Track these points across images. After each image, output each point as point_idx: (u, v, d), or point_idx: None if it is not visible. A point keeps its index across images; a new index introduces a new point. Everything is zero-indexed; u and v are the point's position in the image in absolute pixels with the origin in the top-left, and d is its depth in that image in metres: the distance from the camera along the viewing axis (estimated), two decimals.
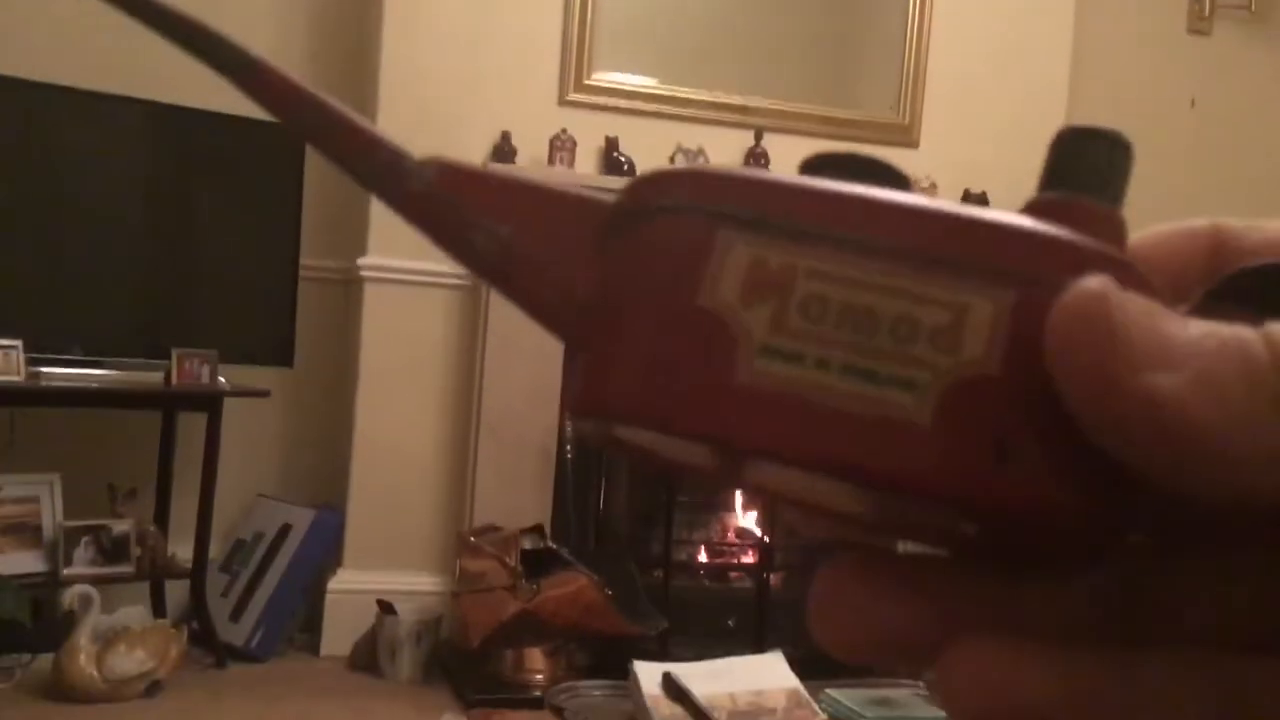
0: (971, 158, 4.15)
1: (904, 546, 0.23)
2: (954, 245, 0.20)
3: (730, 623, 4.00)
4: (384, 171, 0.24)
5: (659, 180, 0.23)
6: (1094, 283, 0.19)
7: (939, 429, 0.20)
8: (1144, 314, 0.19)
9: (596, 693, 1.88)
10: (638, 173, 3.85)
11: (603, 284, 0.22)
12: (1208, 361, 0.18)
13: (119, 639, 3.22)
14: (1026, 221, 0.21)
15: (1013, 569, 0.22)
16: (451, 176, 0.24)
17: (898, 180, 0.22)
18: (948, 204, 0.21)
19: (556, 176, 3.78)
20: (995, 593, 0.22)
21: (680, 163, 3.93)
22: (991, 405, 0.20)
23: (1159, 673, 0.20)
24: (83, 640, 3.17)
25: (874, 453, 0.20)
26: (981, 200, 4.11)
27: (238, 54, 0.26)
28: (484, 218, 0.24)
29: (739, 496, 4.22)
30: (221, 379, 3.58)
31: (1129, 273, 0.20)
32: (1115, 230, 0.22)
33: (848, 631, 0.22)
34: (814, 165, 0.22)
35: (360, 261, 3.81)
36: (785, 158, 4.03)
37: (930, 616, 0.21)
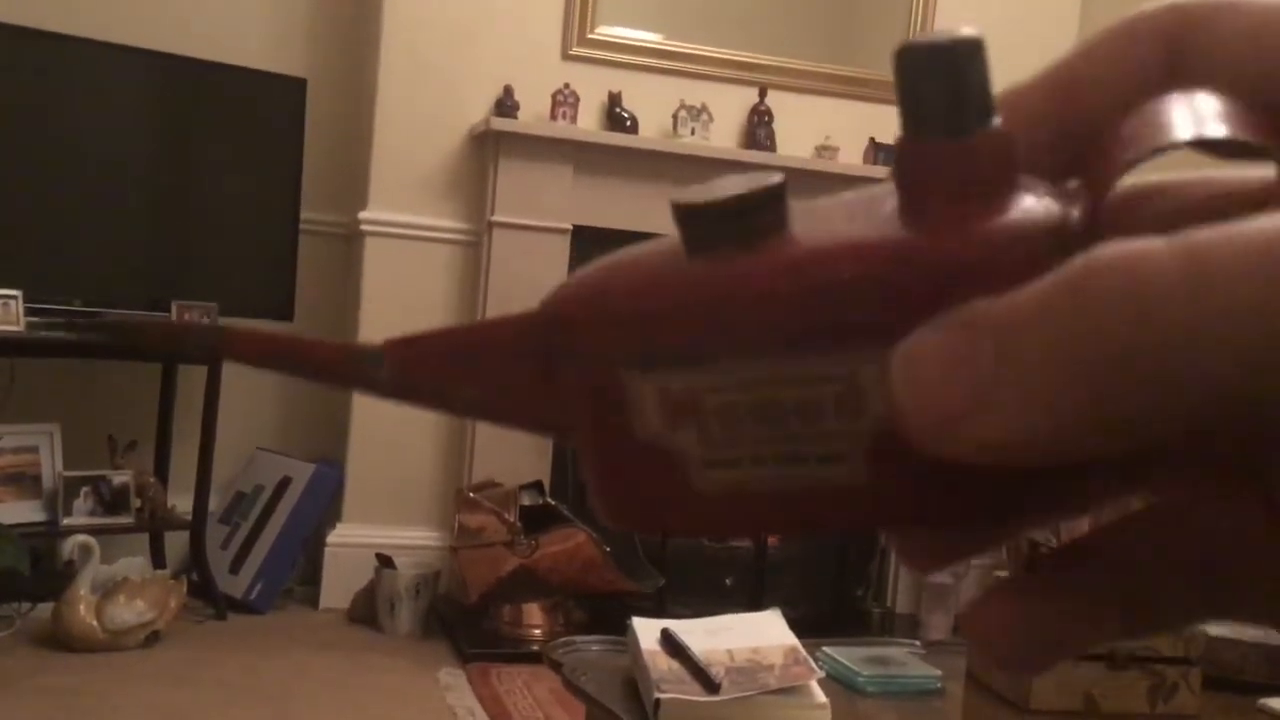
0: None
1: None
2: (814, 319, 0.21)
3: (728, 581, 4.02)
4: (353, 374, 0.26)
5: (558, 320, 0.24)
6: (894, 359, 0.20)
7: (872, 484, 0.21)
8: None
9: (594, 648, 1.89)
10: (638, 128, 3.82)
11: (560, 411, 0.24)
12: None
13: (118, 589, 3.23)
14: (873, 263, 0.21)
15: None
16: (401, 359, 0.25)
17: (771, 201, 0.21)
18: (796, 259, 0.21)
19: (559, 131, 3.76)
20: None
21: (684, 120, 3.90)
22: (909, 449, 0.20)
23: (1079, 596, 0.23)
24: (82, 590, 3.19)
25: (831, 514, 0.22)
26: None
27: (207, 332, 0.28)
28: (445, 388, 0.25)
29: None
30: None
31: (962, 276, 0.20)
32: (994, 154, 0.21)
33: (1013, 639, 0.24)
34: (685, 219, 0.22)
35: (361, 215, 3.80)
36: (789, 115, 4.01)
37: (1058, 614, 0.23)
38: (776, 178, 0.21)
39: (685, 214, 0.22)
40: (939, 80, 0.21)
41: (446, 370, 0.25)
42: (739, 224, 0.21)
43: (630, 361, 0.22)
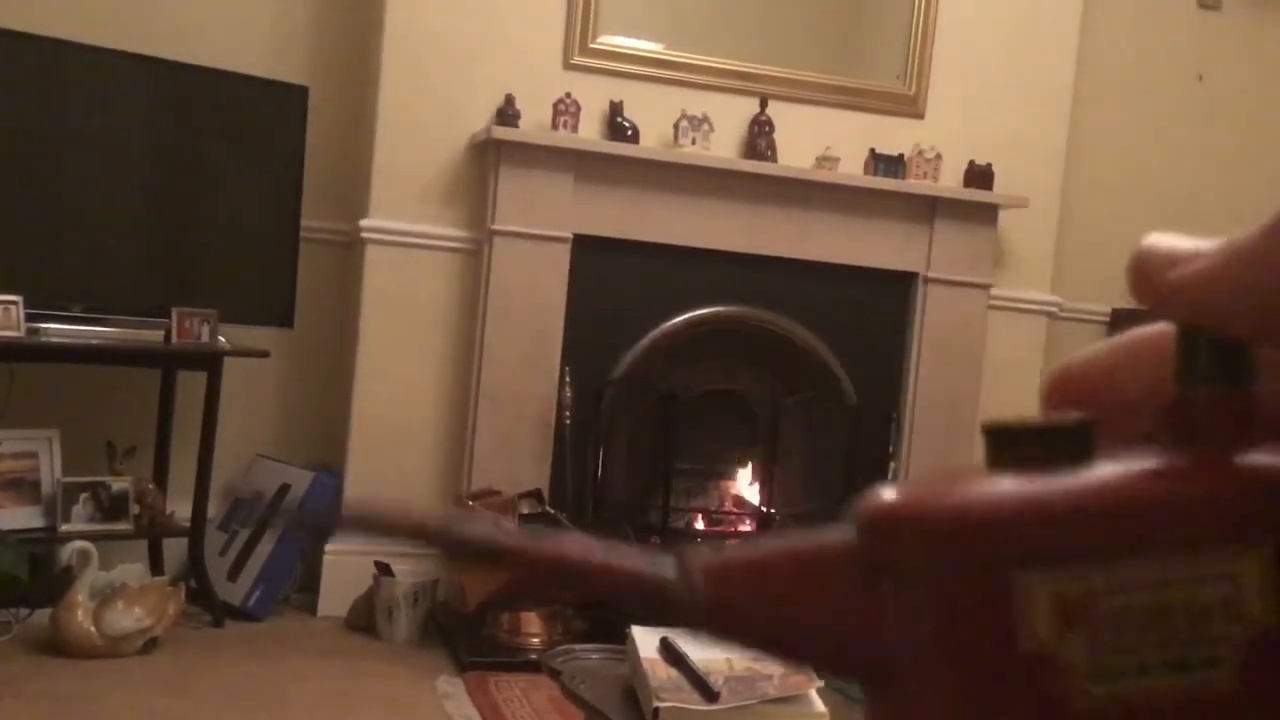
0: (977, 130, 4.13)
1: None
2: (1203, 524, 0.22)
3: None
4: (657, 603, 0.25)
5: (911, 533, 0.23)
6: None
7: (1245, 691, 0.22)
8: None
9: (593, 656, 1.89)
10: (639, 137, 3.80)
11: (896, 636, 0.23)
12: None
13: (117, 596, 3.23)
14: (1243, 475, 0.23)
15: None
16: (718, 583, 0.24)
17: (1083, 437, 0.23)
18: (1171, 483, 0.23)
19: (560, 140, 3.77)
20: None
21: (685, 130, 3.90)
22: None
23: None
24: (80, 596, 3.18)
25: None
26: (986, 173, 4.09)
27: (487, 547, 0.26)
28: (763, 608, 0.24)
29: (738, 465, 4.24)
30: (221, 338, 3.57)
31: None
32: (1251, 406, 0.23)
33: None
34: (1002, 441, 0.23)
35: (362, 223, 3.80)
36: (790, 125, 4.01)
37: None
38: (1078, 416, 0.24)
39: (1006, 434, 0.23)
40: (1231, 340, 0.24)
41: (766, 589, 0.24)
42: (1062, 447, 0.23)
43: (1026, 562, 0.22)
